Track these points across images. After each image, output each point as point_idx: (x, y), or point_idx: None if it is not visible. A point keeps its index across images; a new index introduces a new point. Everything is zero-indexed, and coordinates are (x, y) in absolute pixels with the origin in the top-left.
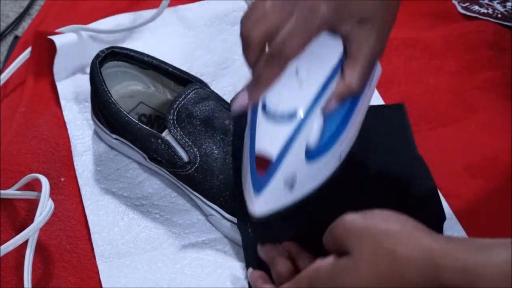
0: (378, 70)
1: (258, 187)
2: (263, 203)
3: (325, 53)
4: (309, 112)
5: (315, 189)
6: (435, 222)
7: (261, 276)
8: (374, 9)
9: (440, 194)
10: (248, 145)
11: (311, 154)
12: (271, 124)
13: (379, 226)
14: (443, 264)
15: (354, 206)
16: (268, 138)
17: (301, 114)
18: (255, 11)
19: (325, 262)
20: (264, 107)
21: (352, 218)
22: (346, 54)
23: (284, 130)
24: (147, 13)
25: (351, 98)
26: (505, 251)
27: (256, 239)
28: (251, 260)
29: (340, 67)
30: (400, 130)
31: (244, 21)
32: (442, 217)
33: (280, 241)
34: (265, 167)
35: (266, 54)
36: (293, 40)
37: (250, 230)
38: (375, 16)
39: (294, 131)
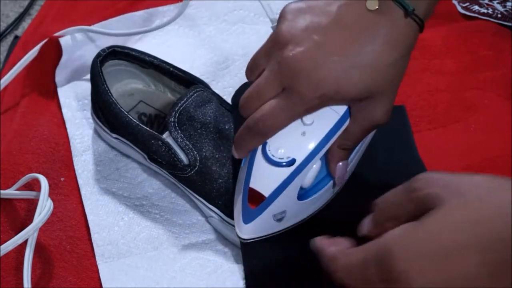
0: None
1: (248, 218)
2: (250, 230)
3: (332, 108)
4: (307, 160)
5: (303, 220)
6: None
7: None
8: (374, 89)
9: None
10: (243, 177)
11: (304, 194)
12: (269, 165)
13: (464, 176)
14: None
15: (354, 205)
16: (264, 177)
17: (299, 161)
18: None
19: (402, 228)
20: (264, 148)
21: (434, 173)
22: (350, 115)
23: (281, 174)
24: (159, 11)
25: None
26: None
27: (254, 247)
28: (250, 266)
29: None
30: (401, 132)
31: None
32: None
33: (280, 246)
34: (257, 201)
35: (245, 122)
36: (271, 121)
37: (254, 261)
38: (377, 93)
39: (290, 175)
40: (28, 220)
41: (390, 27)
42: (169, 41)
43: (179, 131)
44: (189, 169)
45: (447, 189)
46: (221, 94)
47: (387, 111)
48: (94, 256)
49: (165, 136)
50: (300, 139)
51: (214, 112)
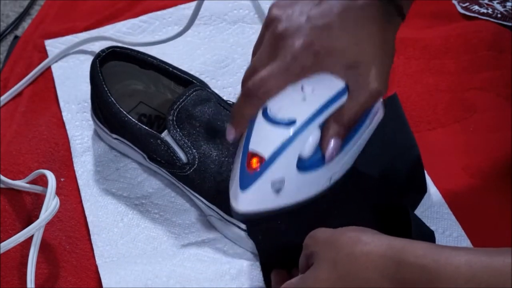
0: (379, 113)
1: (245, 184)
2: (247, 200)
3: (332, 79)
4: (307, 123)
5: (300, 202)
6: (416, 193)
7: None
8: (366, 54)
9: (440, 194)
10: (243, 142)
11: (303, 165)
12: (269, 126)
13: (343, 234)
14: (402, 259)
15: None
16: (264, 138)
17: (299, 123)
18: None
19: (294, 279)
20: (264, 110)
21: (323, 230)
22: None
23: (281, 134)
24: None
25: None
26: (466, 254)
27: (267, 244)
28: (266, 262)
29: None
30: (395, 121)
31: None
32: (423, 190)
33: (289, 245)
34: (256, 164)
35: (243, 89)
36: (268, 83)
37: (260, 237)
38: (368, 60)
39: (290, 137)
40: (34, 217)
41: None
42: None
43: (178, 130)
44: (188, 168)
45: (324, 247)
46: (220, 94)
47: (381, 78)
48: (94, 256)
49: (164, 134)
50: (301, 103)
51: (213, 111)
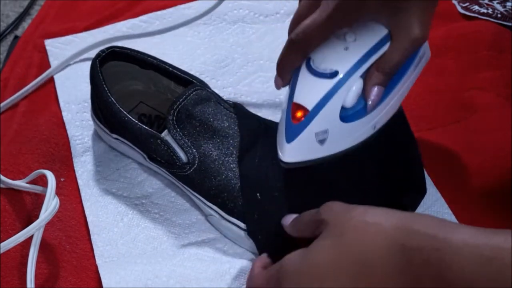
0: (426, 55)
1: (291, 135)
2: (293, 152)
3: (374, 28)
4: (350, 73)
5: (344, 151)
6: (416, 193)
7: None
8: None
9: (440, 194)
10: (287, 96)
11: (346, 115)
12: (313, 78)
13: (356, 207)
14: (412, 228)
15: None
16: (307, 90)
17: (342, 74)
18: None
19: (299, 250)
20: (308, 61)
21: (339, 203)
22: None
23: (324, 85)
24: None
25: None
26: (471, 229)
27: (267, 244)
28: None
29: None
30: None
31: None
32: (423, 190)
33: (290, 244)
34: (300, 115)
35: (287, 40)
36: (312, 32)
37: (260, 237)
38: (410, 5)
39: (333, 87)
40: (34, 217)
41: None
42: (168, 40)
43: (178, 129)
44: (188, 167)
45: (336, 218)
46: (220, 93)
47: (422, 25)
48: (94, 256)
49: (164, 134)
50: (343, 53)
51: (213, 110)
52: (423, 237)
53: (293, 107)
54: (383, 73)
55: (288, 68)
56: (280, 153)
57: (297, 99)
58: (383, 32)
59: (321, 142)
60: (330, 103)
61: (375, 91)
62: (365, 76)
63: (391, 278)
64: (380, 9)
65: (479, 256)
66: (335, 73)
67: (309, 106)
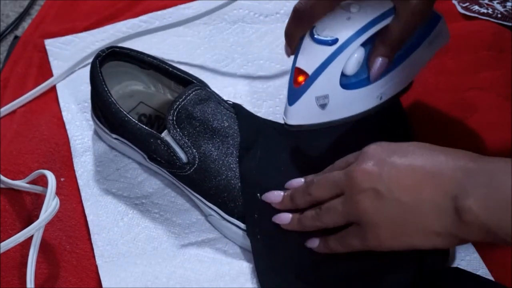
0: (444, 36)
1: (292, 98)
2: (294, 114)
3: (380, 1)
4: (349, 41)
5: (347, 118)
6: None
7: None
8: None
9: None
10: (292, 64)
11: (348, 83)
12: (314, 45)
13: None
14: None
15: None
16: (309, 56)
17: (341, 41)
18: None
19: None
20: (312, 29)
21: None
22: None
23: (324, 51)
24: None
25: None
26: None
27: (265, 244)
28: (261, 264)
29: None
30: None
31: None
32: None
33: (287, 245)
34: (301, 80)
35: (292, 12)
36: (315, 6)
37: (258, 237)
38: None
39: (333, 54)
40: (33, 216)
41: None
42: (168, 40)
43: (178, 129)
44: (188, 167)
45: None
46: (220, 93)
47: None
48: (94, 256)
49: (164, 134)
50: (345, 22)
51: (212, 110)
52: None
53: (295, 71)
54: (385, 45)
55: (294, 36)
56: (284, 117)
57: (299, 64)
58: (388, 5)
59: (322, 106)
60: (329, 68)
61: (378, 62)
62: (370, 47)
63: None
64: None
65: None
66: (335, 40)
67: (309, 70)
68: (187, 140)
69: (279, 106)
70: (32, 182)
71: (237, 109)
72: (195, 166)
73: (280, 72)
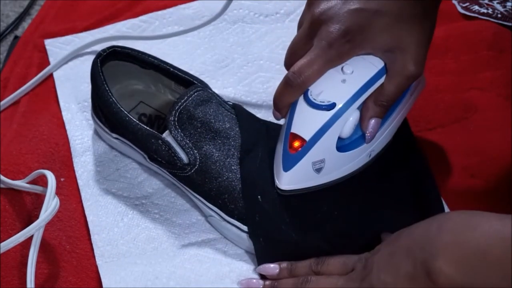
0: (421, 85)
1: (288, 164)
2: (289, 180)
3: (371, 59)
4: (347, 105)
5: (340, 179)
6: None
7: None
8: (402, 38)
9: (440, 194)
10: (285, 126)
11: (342, 145)
12: (310, 110)
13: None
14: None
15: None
16: (305, 121)
17: (339, 106)
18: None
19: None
20: (306, 93)
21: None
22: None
23: (321, 117)
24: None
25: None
26: None
27: (268, 247)
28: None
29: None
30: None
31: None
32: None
33: (289, 249)
34: (297, 146)
35: (284, 78)
36: (306, 72)
37: (261, 239)
38: (405, 44)
39: (331, 119)
40: (33, 216)
41: None
42: (168, 40)
43: (179, 130)
44: (189, 168)
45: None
46: (220, 93)
47: (418, 62)
48: (94, 256)
49: (165, 135)
50: (341, 86)
51: (214, 112)
52: None
53: (290, 137)
54: (379, 106)
55: (285, 103)
56: (277, 181)
57: (294, 129)
58: (379, 64)
59: (318, 170)
60: (327, 134)
61: (372, 123)
62: (362, 108)
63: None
64: (374, 49)
65: None
66: (333, 105)
67: (307, 136)
68: (188, 141)
69: None
70: (32, 182)
71: (237, 110)
72: (196, 167)
73: (280, 72)
